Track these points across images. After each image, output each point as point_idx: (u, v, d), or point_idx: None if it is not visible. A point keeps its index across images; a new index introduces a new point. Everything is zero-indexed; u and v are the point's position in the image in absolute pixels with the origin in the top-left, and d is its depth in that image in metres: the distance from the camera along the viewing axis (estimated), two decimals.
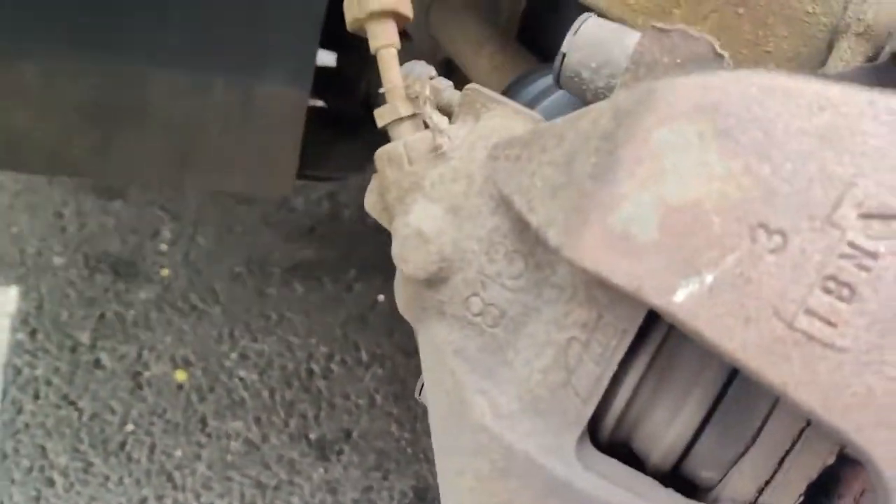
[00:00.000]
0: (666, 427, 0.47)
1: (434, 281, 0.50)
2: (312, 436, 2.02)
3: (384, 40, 0.57)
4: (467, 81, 0.62)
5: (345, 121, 1.54)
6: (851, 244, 0.36)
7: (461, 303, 0.50)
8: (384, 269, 0.69)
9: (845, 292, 0.36)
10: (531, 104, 0.87)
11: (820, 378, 0.36)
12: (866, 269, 0.36)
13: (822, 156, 0.36)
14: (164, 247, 2.50)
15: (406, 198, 0.52)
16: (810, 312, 0.37)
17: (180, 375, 2.06)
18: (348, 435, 2.02)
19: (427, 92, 0.56)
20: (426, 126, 0.55)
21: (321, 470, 1.90)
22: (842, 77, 0.50)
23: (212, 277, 2.48)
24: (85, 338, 2.07)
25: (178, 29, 1.14)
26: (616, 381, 0.46)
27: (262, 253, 2.62)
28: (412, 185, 0.52)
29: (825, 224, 0.36)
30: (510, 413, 0.46)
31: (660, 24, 0.45)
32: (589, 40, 0.52)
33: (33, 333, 2.03)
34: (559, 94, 0.78)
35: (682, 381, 0.46)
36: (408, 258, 0.50)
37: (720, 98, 0.38)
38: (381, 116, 0.57)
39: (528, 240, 0.47)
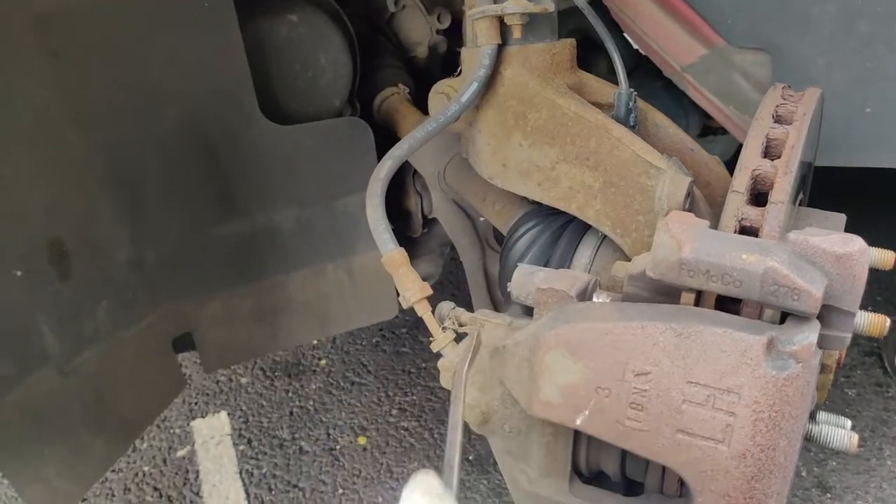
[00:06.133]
0: (607, 463, 0.97)
1: (484, 421, 1.02)
2: (471, 457, 2.58)
3: (423, 310, 1.11)
4: None
5: (413, 241, 2.08)
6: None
7: (500, 428, 1.02)
8: None
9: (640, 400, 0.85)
10: (521, 258, 1.37)
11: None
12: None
13: (613, 355, 0.85)
14: (315, 342, 3.14)
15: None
16: (633, 406, 0.86)
17: (361, 440, 2.67)
18: None
19: (450, 322, 1.08)
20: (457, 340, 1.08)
21: (485, 481, 2.46)
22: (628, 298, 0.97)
23: (358, 353, 3.10)
24: (286, 434, 2.72)
25: (295, 240, 1.72)
26: (576, 451, 0.96)
27: (389, 320, 3.22)
28: (459, 377, 1.04)
29: (621, 379, 0.85)
30: (536, 479, 0.97)
31: (546, 284, 0.95)
32: (517, 282, 1.02)
33: (249, 442, 2.70)
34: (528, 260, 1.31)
35: (604, 444, 0.95)
36: (468, 417, 1.03)
37: (567, 334, 0.88)
38: (434, 345, 1.10)
39: (515, 400, 0.98)
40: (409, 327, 3.22)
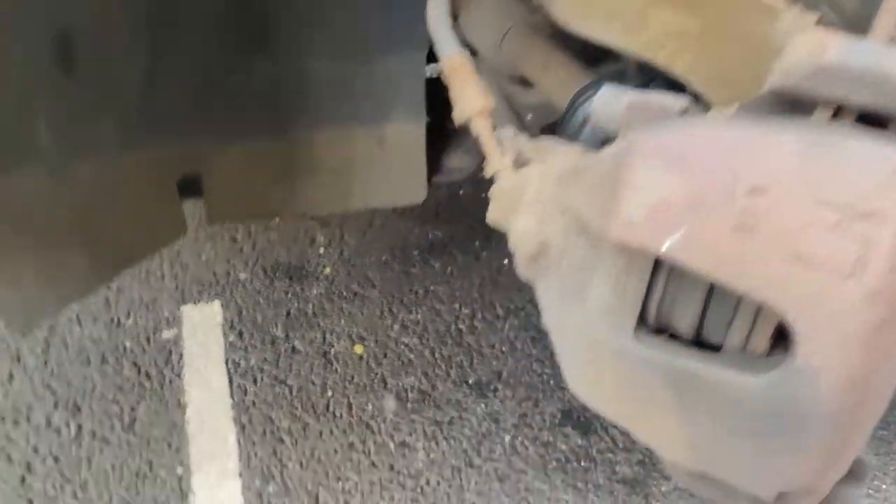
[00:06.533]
0: (683, 313, 0.81)
1: (540, 252, 0.87)
2: (471, 380, 2.44)
3: (481, 125, 0.95)
4: None
5: (450, 132, 1.92)
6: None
7: (557, 264, 0.86)
8: (504, 237, 0.95)
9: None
10: (582, 125, 1.21)
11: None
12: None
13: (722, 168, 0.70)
14: (321, 250, 2.98)
15: (511, 214, 0.89)
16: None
17: (358, 349, 2.54)
18: (499, 375, 2.42)
19: (512, 149, 0.92)
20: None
21: (483, 405, 2.32)
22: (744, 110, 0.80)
23: (365, 267, 2.94)
24: (279, 332, 2.59)
25: (326, 95, 1.56)
26: (648, 294, 0.81)
27: (400, 240, 3.05)
28: (514, 206, 0.89)
29: (729, 196, 0.70)
30: (594, 318, 0.82)
31: (639, 100, 0.79)
32: (601, 102, 0.86)
33: (240, 334, 2.57)
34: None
35: (686, 286, 0.80)
36: (519, 247, 0.87)
37: (667, 142, 0.72)
38: (488, 168, 0.94)
39: (583, 227, 0.82)
40: (422, 251, 3.05)
